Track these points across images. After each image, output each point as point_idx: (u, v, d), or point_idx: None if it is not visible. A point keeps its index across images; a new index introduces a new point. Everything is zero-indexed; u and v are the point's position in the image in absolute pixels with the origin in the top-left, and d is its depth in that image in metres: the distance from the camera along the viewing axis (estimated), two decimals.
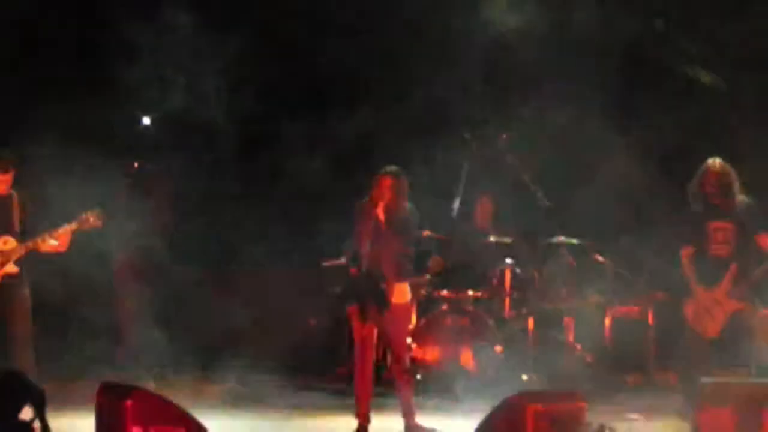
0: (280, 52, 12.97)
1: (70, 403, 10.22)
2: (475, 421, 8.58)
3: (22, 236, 9.98)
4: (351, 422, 9.53)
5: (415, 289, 10.45)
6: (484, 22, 12.45)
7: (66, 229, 9.99)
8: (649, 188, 12.05)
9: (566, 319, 11.87)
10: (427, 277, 11.81)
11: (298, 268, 13.08)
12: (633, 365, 12.00)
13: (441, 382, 11.26)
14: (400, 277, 9.49)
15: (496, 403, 8.98)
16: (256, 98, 12.89)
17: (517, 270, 11.88)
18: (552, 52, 12.35)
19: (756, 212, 9.95)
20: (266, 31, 12.89)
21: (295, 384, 12.02)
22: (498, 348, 11.49)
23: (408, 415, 9.57)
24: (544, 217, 11.67)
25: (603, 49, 12.26)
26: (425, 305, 11.89)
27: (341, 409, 10.32)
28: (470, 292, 11.77)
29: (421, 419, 9.65)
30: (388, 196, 9.43)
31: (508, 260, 11.86)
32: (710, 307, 9.84)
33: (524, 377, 11.36)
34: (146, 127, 12.99)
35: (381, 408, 9.93)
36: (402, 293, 9.52)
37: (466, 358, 11.43)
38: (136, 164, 13.69)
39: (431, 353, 11.55)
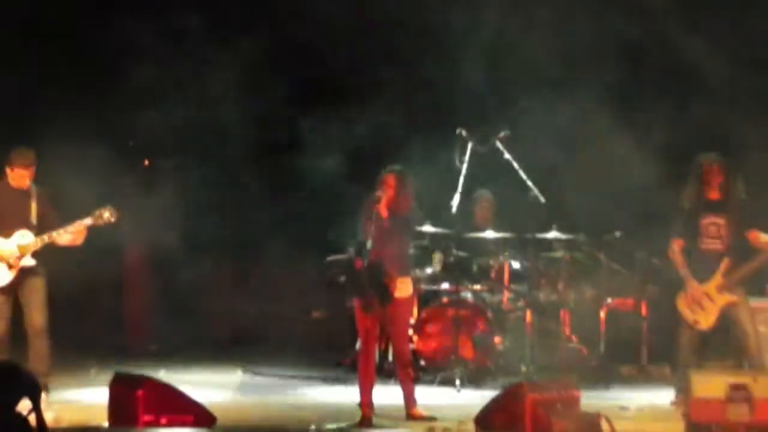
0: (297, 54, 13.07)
1: (83, 391, 10.50)
2: (475, 409, 8.85)
3: (39, 230, 10.20)
4: (355, 412, 9.59)
5: (416, 283, 10.60)
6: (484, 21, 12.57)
7: (81, 224, 10.20)
8: (648, 187, 12.07)
9: (562, 311, 11.93)
10: (429, 271, 11.96)
11: (311, 267, 13.18)
12: (627, 357, 12.05)
13: (441, 372, 11.41)
14: (403, 272, 9.64)
15: (496, 392, 9.32)
16: (273, 98, 13.02)
17: (515, 264, 12.06)
18: (552, 52, 12.40)
19: (749, 208, 10.01)
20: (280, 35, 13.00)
21: (301, 374, 12.05)
22: (497, 339, 11.69)
23: (410, 405, 9.71)
24: (540, 213, 11.67)
25: (603, 49, 12.29)
26: (426, 298, 12.01)
27: (345, 399, 10.36)
28: (470, 286, 11.95)
29: (423, 408, 9.75)
30: (391, 194, 9.59)
31: (506, 255, 12.03)
32: (702, 301, 9.90)
33: (522, 367, 11.48)
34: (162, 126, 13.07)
35: (383, 398, 9.97)
36: (404, 288, 9.64)
37: (466, 348, 11.58)
38: (146, 161, 13.90)
39: (432, 344, 11.70)
